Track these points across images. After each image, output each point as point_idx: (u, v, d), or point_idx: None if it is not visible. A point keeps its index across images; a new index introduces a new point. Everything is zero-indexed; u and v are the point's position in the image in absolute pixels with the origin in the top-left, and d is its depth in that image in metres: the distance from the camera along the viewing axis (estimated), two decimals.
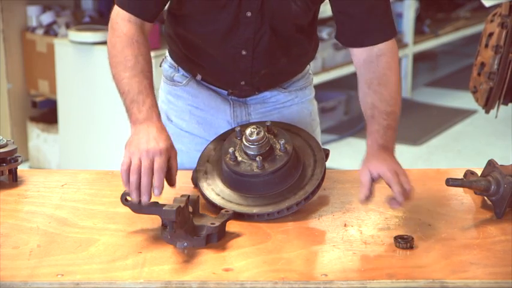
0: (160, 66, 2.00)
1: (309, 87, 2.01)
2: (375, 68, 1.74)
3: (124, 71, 1.70)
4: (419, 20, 5.80)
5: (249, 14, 1.77)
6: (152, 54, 1.95)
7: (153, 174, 1.55)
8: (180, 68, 1.94)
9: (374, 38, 1.75)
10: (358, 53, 1.76)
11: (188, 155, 1.90)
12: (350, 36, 1.77)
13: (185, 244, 1.50)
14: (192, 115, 1.93)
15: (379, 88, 1.72)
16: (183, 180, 1.79)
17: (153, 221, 1.61)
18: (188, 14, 1.81)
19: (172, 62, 1.95)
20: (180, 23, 1.85)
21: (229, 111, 1.92)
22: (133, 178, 1.55)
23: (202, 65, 1.89)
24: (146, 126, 1.62)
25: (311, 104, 2.02)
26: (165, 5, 1.80)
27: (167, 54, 1.98)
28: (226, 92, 1.91)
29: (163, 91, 1.99)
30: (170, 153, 1.59)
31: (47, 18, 4.29)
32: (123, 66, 1.70)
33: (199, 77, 1.92)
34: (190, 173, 1.76)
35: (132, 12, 1.73)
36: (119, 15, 1.74)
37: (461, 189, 1.74)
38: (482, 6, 2.20)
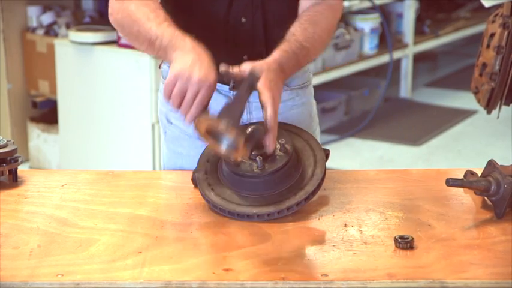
0: (159, 67, 2.00)
1: (309, 86, 2.01)
2: (311, 10, 1.78)
3: (147, 23, 1.68)
4: (419, 20, 5.80)
5: None
6: (146, 56, 1.96)
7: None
8: None
9: None
10: (304, 4, 1.81)
11: (188, 158, 1.90)
12: None
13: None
14: None
15: (306, 23, 1.75)
16: (183, 181, 1.79)
17: (153, 222, 1.61)
18: None
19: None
20: (177, 5, 1.83)
21: None
22: (175, 102, 1.56)
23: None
24: (197, 54, 1.60)
25: (311, 104, 2.02)
26: None
27: None
28: (228, 86, 1.90)
29: (162, 93, 1.99)
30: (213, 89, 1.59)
31: (47, 18, 4.29)
32: (146, 19, 1.68)
33: None
34: (190, 174, 1.76)
35: None
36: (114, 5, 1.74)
37: (461, 189, 1.74)
38: (482, 6, 2.19)
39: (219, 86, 1.89)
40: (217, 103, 1.91)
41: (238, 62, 1.85)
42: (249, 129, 1.64)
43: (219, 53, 1.85)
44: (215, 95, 1.90)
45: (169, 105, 1.58)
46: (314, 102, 2.04)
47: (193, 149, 1.90)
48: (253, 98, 1.92)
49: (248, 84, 1.65)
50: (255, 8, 1.81)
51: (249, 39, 1.84)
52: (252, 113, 1.93)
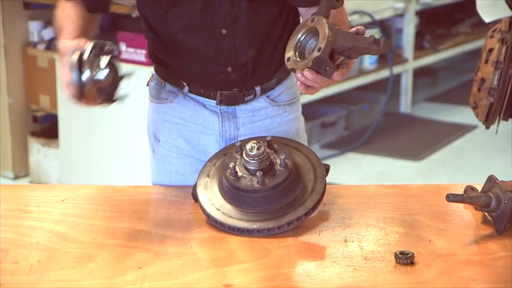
0: (147, 85, 1.99)
1: (297, 103, 1.98)
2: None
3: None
4: (419, 35, 5.81)
5: None
6: (152, 69, 1.96)
7: None
8: (166, 84, 1.92)
9: None
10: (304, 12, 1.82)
11: (177, 175, 1.90)
12: None
13: None
14: (179, 133, 1.91)
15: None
16: (183, 196, 1.79)
17: (153, 237, 1.61)
18: (159, 5, 1.80)
19: (159, 79, 1.93)
20: (156, 21, 1.84)
21: (218, 126, 1.90)
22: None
23: (186, 63, 1.85)
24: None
25: (299, 121, 1.99)
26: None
27: (153, 72, 1.96)
28: (215, 101, 1.89)
29: (150, 111, 1.98)
30: None
31: (48, 33, 4.30)
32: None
33: (186, 89, 1.89)
34: (190, 189, 1.76)
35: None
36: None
37: (461, 204, 1.74)
38: (482, 21, 2.20)
39: (205, 100, 1.90)
40: (204, 118, 1.91)
41: (223, 73, 1.85)
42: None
43: (203, 65, 1.85)
44: (202, 109, 1.90)
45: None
46: (302, 118, 2.02)
47: (182, 166, 1.90)
48: (240, 113, 1.91)
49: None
50: (234, 18, 1.79)
51: (232, 51, 1.83)
52: (239, 129, 1.91)
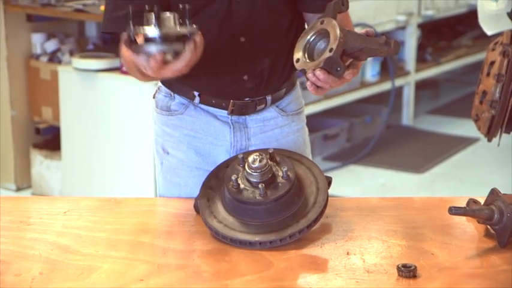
0: (153, 97, 1.99)
1: (303, 113, 2.02)
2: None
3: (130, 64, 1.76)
4: (421, 48, 5.82)
5: None
6: (155, 81, 1.96)
7: None
8: (176, 95, 1.92)
9: None
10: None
11: (186, 188, 1.90)
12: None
13: None
14: (189, 145, 1.92)
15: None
16: (186, 208, 1.79)
17: (155, 249, 1.60)
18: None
19: (168, 90, 1.93)
20: None
21: (229, 136, 1.91)
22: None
23: (202, 71, 1.83)
24: None
25: (305, 131, 2.02)
26: None
27: (160, 84, 1.96)
28: (227, 111, 1.90)
29: (157, 123, 1.97)
30: None
31: (51, 45, 4.32)
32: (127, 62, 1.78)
33: (197, 99, 1.90)
34: (192, 201, 1.76)
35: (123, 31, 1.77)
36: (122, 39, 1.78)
37: (464, 217, 1.74)
38: (483, 34, 2.21)
39: (216, 111, 1.90)
40: (215, 129, 1.91)
41: (238, 82, 1.86)
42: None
43: (219, 73, 1.86)
44: (213, 120, 1.90)
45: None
46: (307, 129, 2.04)
47: (191, 179, 1.90)
48: (251, 123, 1.92)
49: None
50: (252, 26, 1.82)
51: (249, 59, 1.85)
52: (250, 140, 1.92)
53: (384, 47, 1.62)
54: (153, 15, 1.58)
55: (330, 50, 1.62)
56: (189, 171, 1.91)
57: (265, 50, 1.86)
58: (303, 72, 1.66)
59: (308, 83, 1.67)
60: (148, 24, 1.59)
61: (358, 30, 1.75)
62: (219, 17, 1.81)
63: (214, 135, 1.91)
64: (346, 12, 1.75)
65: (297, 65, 1.68)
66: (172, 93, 1.93)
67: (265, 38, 1.85)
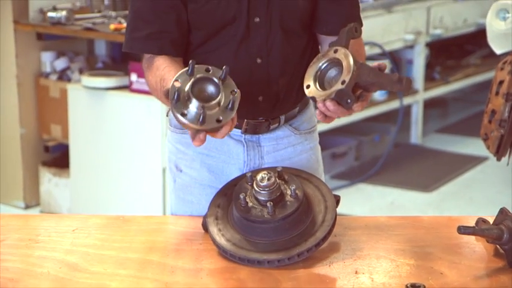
0: (167, 115, 2.00)
1: (315, 131, 2.03)
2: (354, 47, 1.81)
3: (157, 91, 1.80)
4: (429, 66, 5.82)
5: (257, 19, 1.81)
6: (158, 100, 1.97)
7: None
8: None
9: (354, 20, 1.82)
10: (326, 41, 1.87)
11: (199, 206, 1.89)
12: (338, 22, 1.81)
13: None
14: (203, 163, 1.92)
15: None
16: (194, 226, 1.79)
17: (164, 267, 1.60)
18: (199, 36, 1.83)
19: None
20: (191, 51, 1.86)
21: (243, 155, 1.91)
22: None
23: None
24: None
25: (317, 149, 2.03)
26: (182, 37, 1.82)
27: None
28: (241, 130, 1.90)
29: (170, 141, 1.97)
30: None
31: (60, 64, 4.34)
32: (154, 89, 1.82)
33: None
34: (200, 219, 1.76)
35: (145, 52, 1.81)
36: (144, 60, 1.82)
37: (473, 237, 1.73)
38: (492, 53, 2.21)
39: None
40: (229, 148, 1.92)
41: (253, 103, 1.87)
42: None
43: None
44: (227, 139, 1.91)
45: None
46: (319, 147, 2.05)
47: (204, 197, 1.89)
48: (264, 142, 1.93)
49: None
50: (269, 48, 1.83)
51: (265, 80, 1.86)
52: (263, 158, 1.92)
53: (396, 84, 1.65)
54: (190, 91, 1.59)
55: (343, 83, 1.63)
56: (202, 189, 1.91)
57: (281, 71, 1.87)
58: (313, 100, 1.68)
59: (317, 112, 1.70)
60: (192, 96, 1.59)
61: (366, 49, 1.76)
62: (237, 38, 1.82)
63: (228, 153, 1.91)
64: (357, 43, 1.80)
65: (308, 92, 1.70)
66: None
67: (282, 60, 1.86)
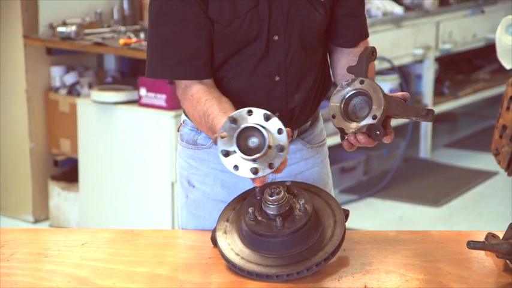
0: (178, 130, 1.99)
1: (325, 145, 2.04)
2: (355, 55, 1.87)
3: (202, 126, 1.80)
4: (438, 81, 5.82)
5: (276, 37, 1.81)
6: (173, 113, 1.97)
7: None
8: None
9: (366, 32, 1.96)
10: (347, 51, 1.91)
11: (210, 221, 1.88)
12: (353, 34, 1.91)
13: None
14: (216, 179, 1.91)
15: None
16: (203, 240, 1.79)
17: (173, 281, 1.60)
18: (220, 57, 1.83)
19: (194, 125, 1.92)
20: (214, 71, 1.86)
21: None
22: None
23: (234, 107, 1.86)
24: None
25: (327, 162, 2.04)
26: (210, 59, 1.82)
27: (185, 118, 1.95)
28: None
29: (182, 156, 1.96)
30: None
31: (70, 78, 4.36)
32: (199, 123, 1.81)
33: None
34: (209, 233, 1.76)
35: (180, 78, 1.80)
36: (178, 88, 1.82)
37: (482, 252, 1.73)
38: (502, 68, 2.21)
39: None
40: None
41: None
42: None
43: None
44: None
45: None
46: (328, 161, 2.06)
47: (216, 212, 1.88)
48: None
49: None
50: (288, 65, 1.84)
51: (283, 97, 1.86)
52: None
53: (420, 117, 1.71)
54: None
55: (374, 117, 1.68)
56: (214, 204, 1.91)
57: (299, 87, 1.88)
58: (341, 131, 1.72)
59: (345, 142, 1.73)
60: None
61: (376, 64, 1.77)
62: (257, 56, 1.83)
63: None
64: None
65: (335, 123, 1.73)
66: (198, 128, 1.92)
67: (299, 76, 1.87)
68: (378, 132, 1.69)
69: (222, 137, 1.60)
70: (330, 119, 1.74)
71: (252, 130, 1.60)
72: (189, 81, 1.81)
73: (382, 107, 1.68)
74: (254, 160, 1.58)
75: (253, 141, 1.60)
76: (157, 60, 1.82)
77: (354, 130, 1.70)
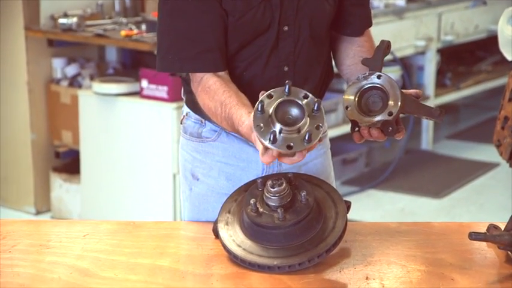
0: (181, 123, 1.98)
1: (327, 137, 2.05)
2: (364, 46, 1.92)
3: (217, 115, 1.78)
4: (440, 73, 5.81)
5: (286, 28, 1.82)
6: (174, 105, 1.97)
7: None
8: (207, 122, 1.90)
9: (371, 21, 1.99)
10: (353, 41, 1.93)
11: (214, 214, 1.87)
12: (359, 23, 1.94)
13: None
14: (221, 172, 1.91)
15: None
16: (204, 231, 1.79)
17: (174, 273, 1.60)
18: (232, 48, 1.82)
19: (198, 117, 1.92)
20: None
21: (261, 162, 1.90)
22: None
23: None
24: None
25: (329, 154, 2.04)
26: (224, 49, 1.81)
27: (189, 110, 1.94)
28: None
29: (185, 149, 1.95)
30: None
31: (71, 70, 4.36)
32: (213, 113, 1.79)
33: None
34: (211, 224, 1.76)
35: (199, 71, 1.79)
36: (194, 81, 1.81)
37: (484, 243, 1.73)
38: (504, 59, 2.20)
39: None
40: (248, 155, 1.90)
41: None
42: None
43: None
44: (246, 147, 1.89)
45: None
46: (330, 152, 2.06)
47: (219, 205, 1.85)
48: None
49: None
50: (296, 56, 1.85)
51: None
52: (281, 165, 1.91)
53: (433, 116, 1.72)
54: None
55: (390, 114, 1.69)
56: (218, 197, 1.90)
57: (306, 78, 1.88)
58: (353, 122, 1.72)
59: (356, 134, 1.73)
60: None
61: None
62: (268, 47, 1.83)
63: (247, 161, 1.90)
64: (371, 41, 1.90)
65: (349, 114, 1.73)
66: (203, 120, 1.91)
67: (307, 67, 1.87)
68: (390, 128, 1.70)
69: (265, 100, 1.60)
70: (343, 109, 1.74)
71: (294, 107, 1.61)
72: (206, 74, 1.80)
73: (399, 105, 1.69)
74: (280, 130, 1.57)
75: (292, 116, 1.61)
76: (174, 54, 1.80)
77: (368, 124, 1.70)
